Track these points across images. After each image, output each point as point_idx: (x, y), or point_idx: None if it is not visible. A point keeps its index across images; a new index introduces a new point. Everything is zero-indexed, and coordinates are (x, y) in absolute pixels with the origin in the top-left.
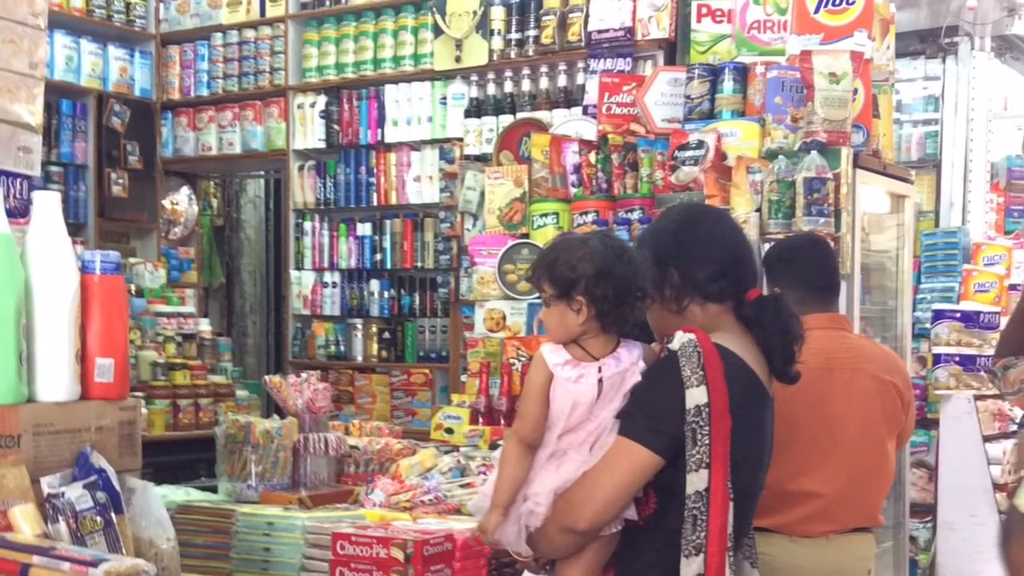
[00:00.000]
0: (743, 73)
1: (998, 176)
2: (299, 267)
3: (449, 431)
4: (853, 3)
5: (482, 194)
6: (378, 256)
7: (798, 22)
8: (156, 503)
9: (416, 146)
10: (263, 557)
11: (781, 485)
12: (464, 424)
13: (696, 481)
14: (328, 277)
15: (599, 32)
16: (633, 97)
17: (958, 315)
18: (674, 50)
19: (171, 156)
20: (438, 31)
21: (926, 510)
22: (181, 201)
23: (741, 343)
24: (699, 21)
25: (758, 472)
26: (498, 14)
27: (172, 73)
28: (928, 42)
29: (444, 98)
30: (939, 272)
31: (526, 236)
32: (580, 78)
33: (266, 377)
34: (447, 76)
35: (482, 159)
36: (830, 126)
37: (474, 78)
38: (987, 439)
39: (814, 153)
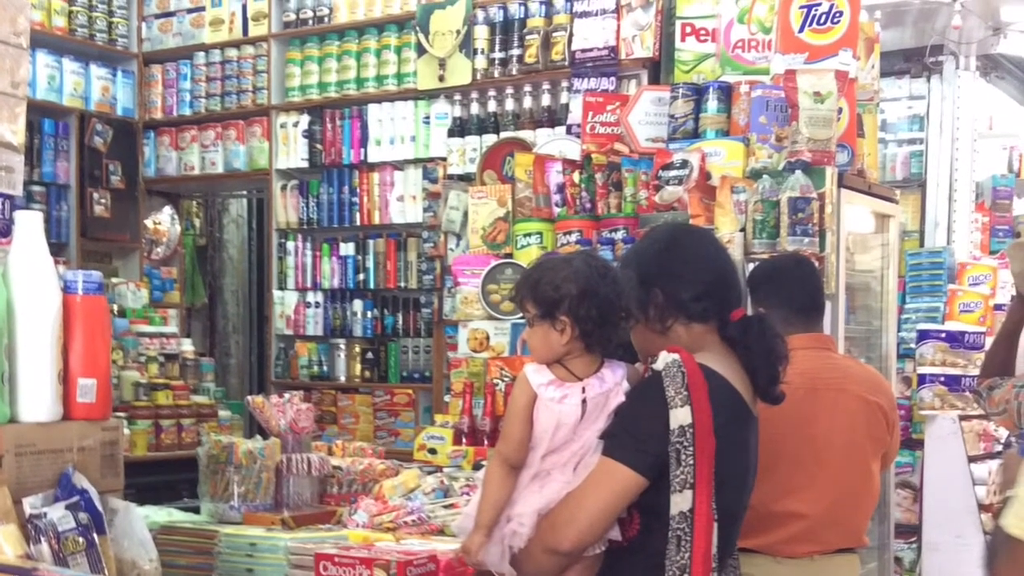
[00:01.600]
0: (727, 92)
1: (983, 196)
2: (282, 287)
3: (432, 451)
4: (838, 22)
5: (465, 214)
6: (361, 276)
7: (782, 41)
8: (138, 524)
9: (399, 165)
10: None
11: (765, 506)
12: (447, 444)
13: (680, 502)
14: (311, 297)
15: (583, 51)
16: (617, 116)
17: (943, 335)
18: (658, 69)
19: (153, 176)
20: (421, 50)
21: (911, 531)
22: (163, 221)
23: (725, 363)
24: (683, 40)
25: (742, 493)
26: (481, 33)
27: (154, 92)
28: (913, 61)
29: (427, 117)
30: (924, 292)
31: (510, 256)
32: (564, 97)
33: (249, 397)
34: (430, 95)
35: (465, 179)
36: (815, 145)
37: (457, 97)
38: (972, 459)
39: (799, 173)
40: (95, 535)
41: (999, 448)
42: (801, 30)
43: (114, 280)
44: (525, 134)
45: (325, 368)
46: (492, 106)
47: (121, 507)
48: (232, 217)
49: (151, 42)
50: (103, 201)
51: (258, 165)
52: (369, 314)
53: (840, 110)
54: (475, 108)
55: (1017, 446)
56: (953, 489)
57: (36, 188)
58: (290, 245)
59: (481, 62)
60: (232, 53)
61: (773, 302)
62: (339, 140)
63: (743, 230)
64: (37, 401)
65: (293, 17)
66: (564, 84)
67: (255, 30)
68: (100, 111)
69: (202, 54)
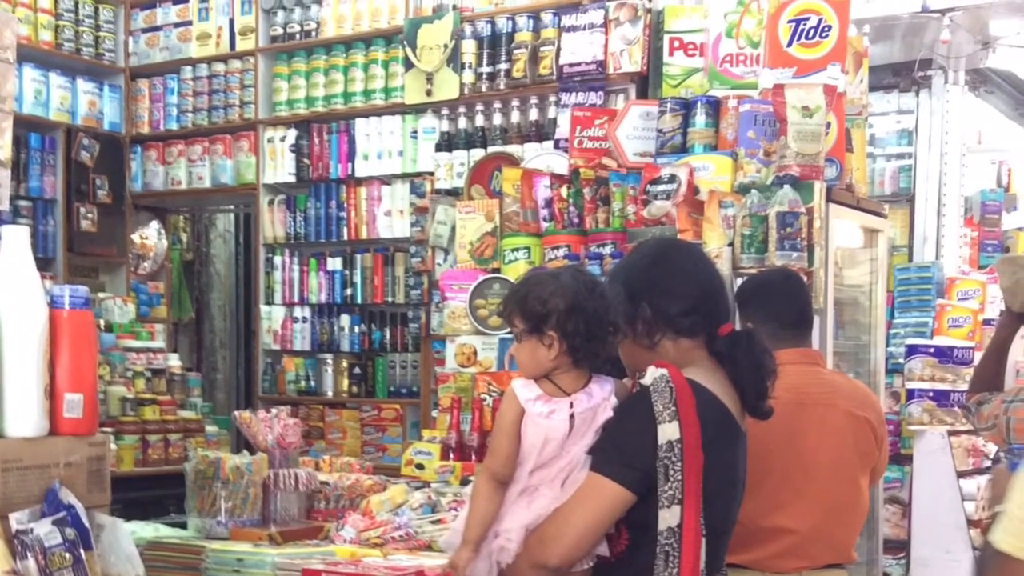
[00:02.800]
0: (715, 107)
1: (972, 210)
2: (269, 302)
3: (420, 467)
4: (826, 36)
5: (453, 228)
6: (348, 291)
7: (771, 56)
8: (125, 539)
9: (387, 180)
10: None
11: (754, 521)
12: (435, 460)
13: (668, 517)
14: (298, 312)
15: (571, 66)
16: (605, 131)
17: (932, 350)
18: (646, 84)
19: (140, 190)
20: (409, 64)
21: (899, 546)
22: (150, 235)
23: (713, 378)
24: (671, 55)
25: (731, 508)
26: (469, 47)
27: (141, 107)
28: (902, 76)
29: (415, 132)
30: (913, 307)
31: (497, 271)
32: (552, 112)
33: (236, 412)
34: (418, 110)
35: (453, 193)
36: (803, 160)
37: (445, 112)
38: (961, 475)
39: (787, 187)
40: (82, 551)
41: (988, 463)
42: (789, 44)
43: (101, 295)
44: (513, 149)
45: (312, 383)
46: (480, 120)
47: (108, 523)
48: (219, 232)
49: (138, 56)
50: (90, 216)
51: (245, 180)
52: (356, 329)
53: (828, 124)
54: (463, 122)
55: (1006, 461)
56: (942, 504)
57: (22, 203)
58: (277, 260)
59: (469, 76)
60: (219, 67)
61: (761, 317)
62: (326, 155)
63: (731, 245)
64: (23, 416)
65: (280, 31)
66: (552, 98)
67: (242, 44)
68: (87, 125)
69: (189, 68)
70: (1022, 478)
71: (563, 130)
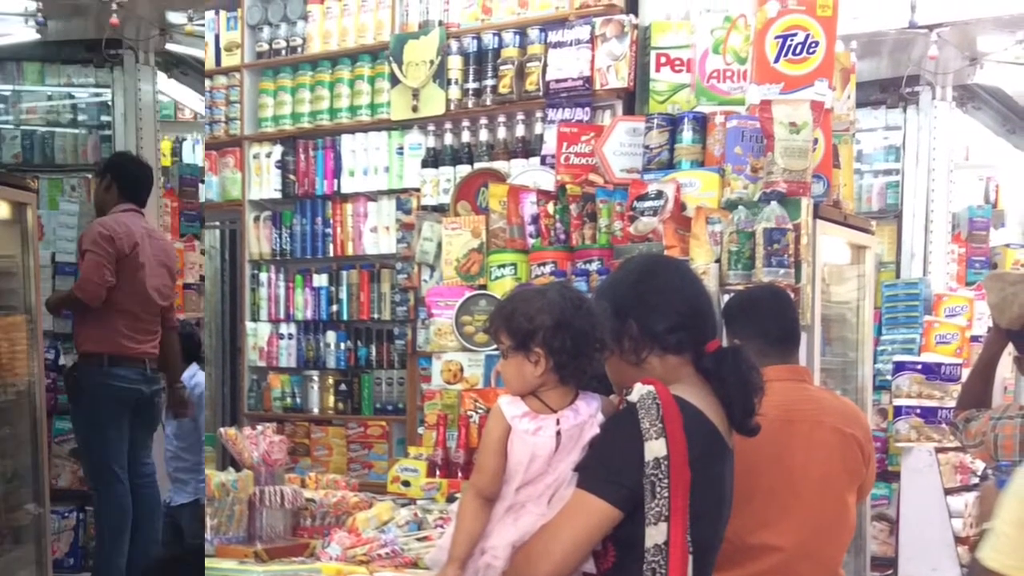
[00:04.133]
0: (702, 123)
1: (959, 227)
2: (255, 318)
3: (406, 484)
4: (814, 52)
5: (439, 245)
6: (334, 307)
7: (758, 71)
8: None
9: (373, 196)
10: None
11: (741, 538)
12: (421, 477)
13: (655, 534)
14: (284, 328)
15: (557, 82)
16: (591, 147)
17: (919, 367)
18: (633, 100)
19: None
20: (395, 81)
21: (887, 564)
22: None
23: (700, 395)
24: (658, 70)
25: (717, 525)
26: (455, 63)
27: None
28: (889, 92)
29: (401, 148)
30: (900, 323)
31: (484, 287)
32: (538, 128)
33: (221, 429)
34: (404, 126)
35: (439, 209)
36: (790, 176)
37: (431, 128)
38: (948, 492)
39: (774, 203)
40: None
41: (976, 480)
42: (776, 60)
43: None
44: (499, 165)
45: (298, 400)
46: (466, 136)
47: None
48: (205, 248)
49: None
50: None
51: (231, 196)
52: (342, 346)
53: (816, 140)
54: (449, 139)
55: (994, 478)
56: (929, 522)
57: None
58: (263, 276)
59: (455, 92)
60: (205, 83)
61: (748, 334)
62: (312, 171)
63: (718, 261)
64: None
65: (266, 47)
66: (538, 115)
67: (228, 60)
68: None
69: None
70: (1010, 495)
71: (550, 146)
